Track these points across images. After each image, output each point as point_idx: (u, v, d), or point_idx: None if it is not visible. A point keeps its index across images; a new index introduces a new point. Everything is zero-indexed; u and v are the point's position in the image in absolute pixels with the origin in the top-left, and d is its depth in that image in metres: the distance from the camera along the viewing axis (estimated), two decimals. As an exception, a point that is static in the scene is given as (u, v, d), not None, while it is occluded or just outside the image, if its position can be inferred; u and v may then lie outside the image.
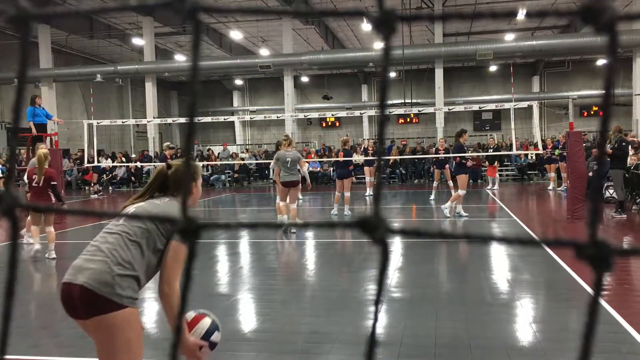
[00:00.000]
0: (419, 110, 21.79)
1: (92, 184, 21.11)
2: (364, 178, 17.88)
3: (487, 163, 18.88)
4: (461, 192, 11.21)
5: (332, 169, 20.78)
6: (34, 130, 13.05)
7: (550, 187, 17.95)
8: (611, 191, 11.41)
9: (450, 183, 15.38)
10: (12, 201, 0.48)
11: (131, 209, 2.65)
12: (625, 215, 10.84)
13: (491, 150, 19.44)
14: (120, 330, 2.37)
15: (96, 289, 2.33)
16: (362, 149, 19.49)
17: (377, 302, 0.53)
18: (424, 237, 0.55)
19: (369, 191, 17.14)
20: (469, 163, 11.94)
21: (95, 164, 20.34)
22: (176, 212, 2.38)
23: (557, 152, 17.46)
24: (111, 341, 2.38)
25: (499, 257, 7.68)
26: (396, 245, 8.74)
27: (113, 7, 0.50)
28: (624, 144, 10.85)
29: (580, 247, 0.44)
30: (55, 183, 8.33)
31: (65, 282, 2.42)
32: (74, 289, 2.37)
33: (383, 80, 0.50)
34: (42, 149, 8.61)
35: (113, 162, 23.03)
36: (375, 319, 0.54)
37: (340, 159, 12.52)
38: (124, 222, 2.55)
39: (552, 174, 18.01)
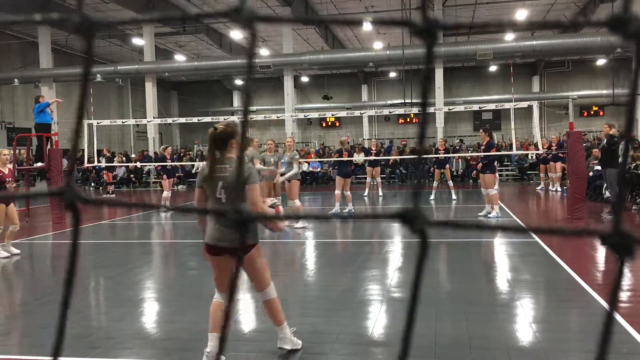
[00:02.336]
0: (419, 110, 21.72)
1: (107, 184, 21.77)
2: (365, 178, 17.86)
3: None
4: (491, 191, 11.35)
5: (332, 168, 20.69)
6: (58, 100, 14.35)
7: (540, 187, 17.94)
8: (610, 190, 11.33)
9: (451, 183, 15.35)
10: (73, 195, 0.53)
11: (220, 183, 3.82)
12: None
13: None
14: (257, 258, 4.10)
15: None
16: (361, 148, 19.46)
17: (414, 296, 0.53)
18: (462, 228, 0.56)
19: (367, 192, 17.16)
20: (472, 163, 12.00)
21: (95, 163, 20.36)
22: (248, 168, 3.98)
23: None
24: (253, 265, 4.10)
25: (499, 257, 7.68)
26: (396, 245, 8.74)
27: (168, 17, 0.50)
28: (614, 139, 10.65)
29: (605, 236, 0.48)
30: None
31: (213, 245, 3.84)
32: (223, 248, 3.82)
33: (425, 82, 0.52)
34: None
35: (110, 163, 23.11)
36: (412, 311, 0.54)
37: (345, 158, 12.53)
38: (223, 190, 3.82)
39: (550, 174, 17.98)
